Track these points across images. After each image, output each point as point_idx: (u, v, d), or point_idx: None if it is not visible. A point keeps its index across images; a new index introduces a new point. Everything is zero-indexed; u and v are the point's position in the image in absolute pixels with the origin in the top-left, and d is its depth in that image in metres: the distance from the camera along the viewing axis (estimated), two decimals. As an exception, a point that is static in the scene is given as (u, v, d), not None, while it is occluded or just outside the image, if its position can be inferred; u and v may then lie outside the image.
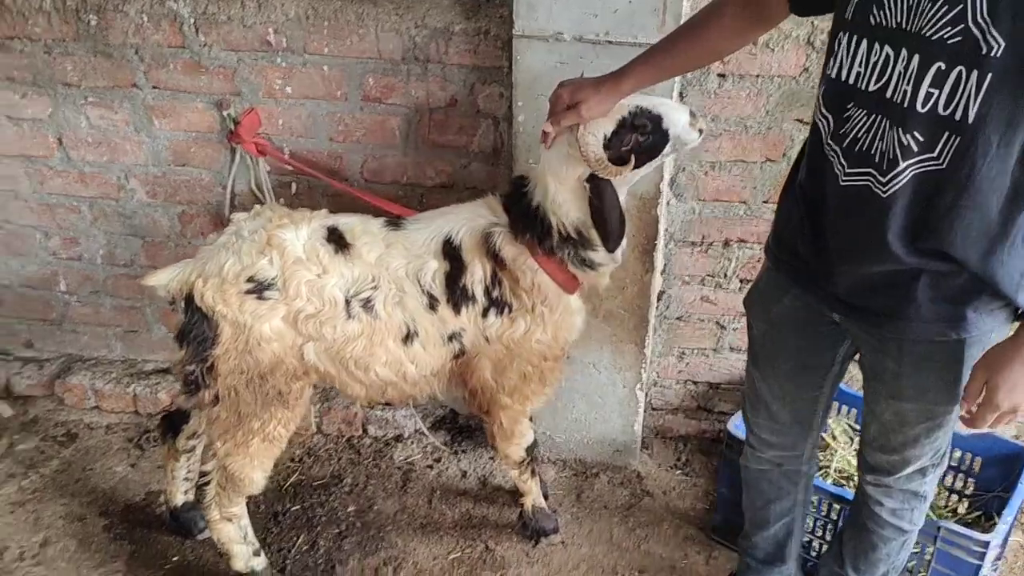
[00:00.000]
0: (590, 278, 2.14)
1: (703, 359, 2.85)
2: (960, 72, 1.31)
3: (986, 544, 2.11)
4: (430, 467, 2.87)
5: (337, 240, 2.05)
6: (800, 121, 2.42)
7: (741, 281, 2.70)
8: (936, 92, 1.35)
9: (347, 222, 2.11)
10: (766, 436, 2.07)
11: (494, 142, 2.56)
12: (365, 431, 2.99)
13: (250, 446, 2.12)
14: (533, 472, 2.49)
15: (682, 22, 2.07)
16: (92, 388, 3.05)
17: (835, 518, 2.34)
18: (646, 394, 2.87)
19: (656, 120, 1.89)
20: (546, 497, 2.66)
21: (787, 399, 1.97)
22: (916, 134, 1.39)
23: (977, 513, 2.47)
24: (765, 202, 2.55)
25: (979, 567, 2.15)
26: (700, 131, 1.94)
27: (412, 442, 2.97)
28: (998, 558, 2.27)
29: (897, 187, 1.45)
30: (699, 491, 2.79)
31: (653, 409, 2.97)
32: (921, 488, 1.90)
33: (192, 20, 2.48)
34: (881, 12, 1.40)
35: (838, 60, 1.49)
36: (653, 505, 2.74)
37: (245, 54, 2.51)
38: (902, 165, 1.42)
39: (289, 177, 2.70)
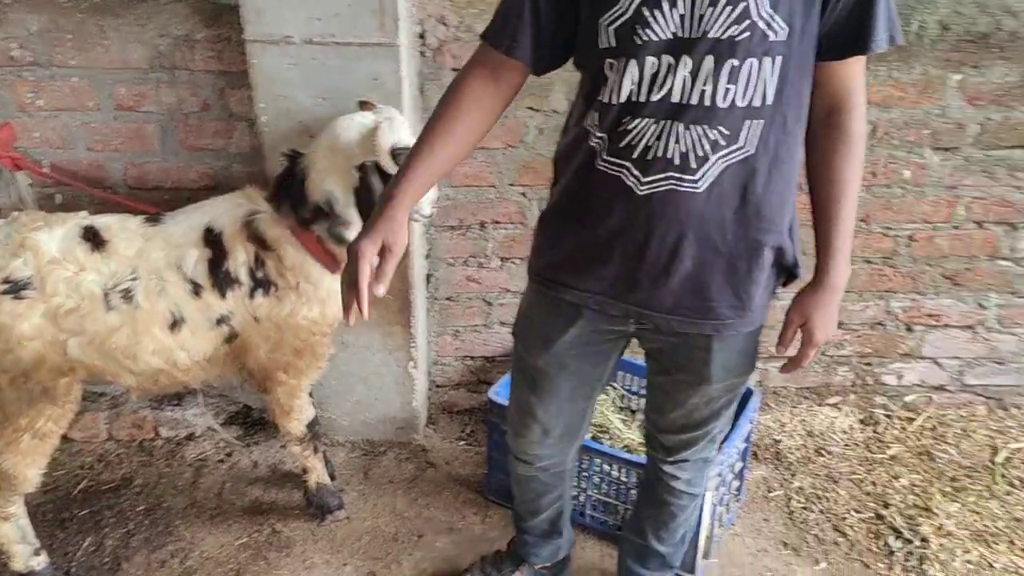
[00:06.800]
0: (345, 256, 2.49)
1: (476, 335, 3.25)
2: (752, 64, 1.53)
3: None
4: (222, 461, 3.14)
5: (93, 238, 2.30)
6: (532, 109, 2.86)
7: (501, 259, 3.11)
8: (733, 87, 1.55)
9: (104, 221, 2.36)
10: (536, 452, 2.19)
11: (252, 143, 2.85)
12: (157, 433, 3.21)
13: (20, 443, 2.32)
14: (316, 449, 2.78)
15: (400, 27, 2.46)
16: None
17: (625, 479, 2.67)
18: (428, 372, 3.25)
19: None
20: (333, 478, 2.95)
21: (562, 416, 2.10)
22: (721, 128, 1.57)
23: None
24: (511, 185, 2.99)
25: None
26: None
27: (204, 439, 3.22)
28: (723, 486, 2.68)
29: (710, 181, 1.61)
30: (480, 458, 3.16)
31: (437, 386, 3.35)
32: (710, 454, 2.14)
33: (-65, 40, 2.65)
34: (647, 31, 1.54)
35: (608, 86, 1.62)
36: (436, 475, 3.09)
37: (-9, 70, 2.72)
38: (712, 159, 1.59)
39: (52, 189, 2.90)
